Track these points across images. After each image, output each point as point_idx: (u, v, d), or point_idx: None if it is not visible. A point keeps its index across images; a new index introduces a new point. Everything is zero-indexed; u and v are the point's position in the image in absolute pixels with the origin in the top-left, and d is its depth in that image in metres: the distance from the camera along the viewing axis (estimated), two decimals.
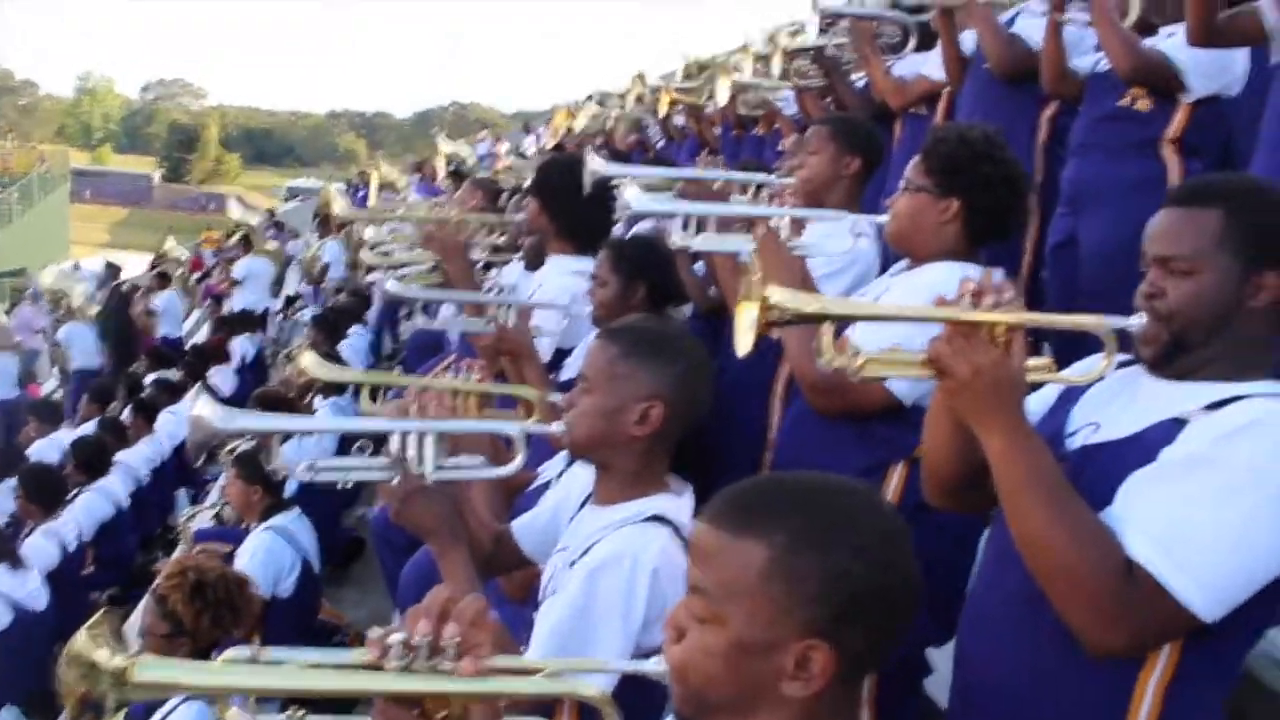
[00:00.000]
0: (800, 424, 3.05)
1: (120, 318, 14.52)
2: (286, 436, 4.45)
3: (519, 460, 2.49)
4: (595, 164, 3.97)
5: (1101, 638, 1.83)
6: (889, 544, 1.46)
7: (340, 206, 5.82)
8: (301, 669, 1.49)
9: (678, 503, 2.33)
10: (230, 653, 1.54)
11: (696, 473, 2.53)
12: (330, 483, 2.51)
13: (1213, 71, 3.79)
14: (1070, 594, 1.83)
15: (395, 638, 1.43)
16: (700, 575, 1.47)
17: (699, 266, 3.92)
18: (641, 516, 2.29)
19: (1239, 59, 3.82)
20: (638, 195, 3.26)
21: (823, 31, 5.81)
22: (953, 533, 2.67)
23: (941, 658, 3.05)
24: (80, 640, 1.37)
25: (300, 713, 1.63)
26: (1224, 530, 1.80)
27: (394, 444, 2.43)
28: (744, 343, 2.04)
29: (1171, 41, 3.83)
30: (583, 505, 2.50)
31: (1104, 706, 1.91)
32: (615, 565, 2.21)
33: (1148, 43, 3.91)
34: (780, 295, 1.98)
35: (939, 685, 3.19)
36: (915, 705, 3.12)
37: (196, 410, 2.44)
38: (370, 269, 5.53)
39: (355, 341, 10.38)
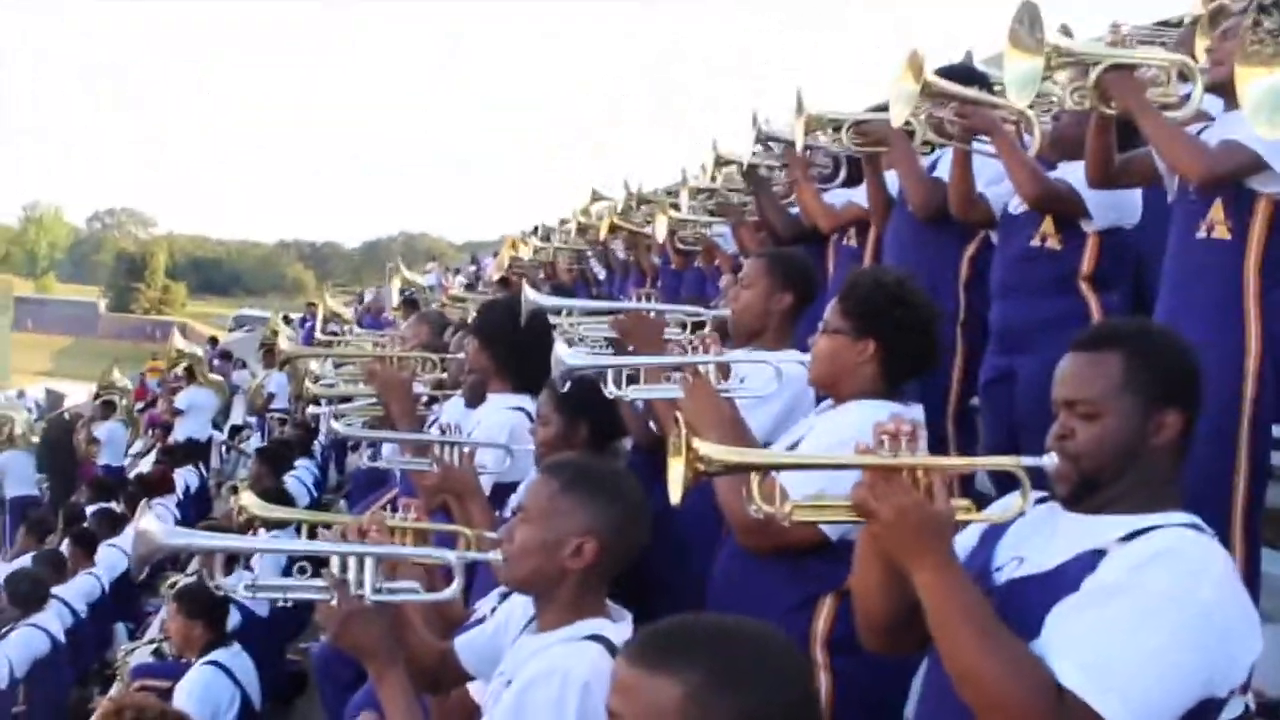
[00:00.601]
0: (733, 561, 3.10)
1: (61, 446, 14.36)
2: (230, 564, 4.46)
3: (457, 585, 2.55)
4: (530, 295, 4.10)
5: None
6: (796, 685, 1.54)
7: (286, 342, 5.91)
8: None
9: (615, 626, 2.39)
10: None
11: (643, 605, 2.59)
12: (271, 601, 2.54)
13: (1108, 201, 3.98)
14: None
15: None
16: (619, 706, 1.55)
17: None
18: (577, 636, 2.36)
19: (1130, 191, 4.02)
20: (567, 351, 3.37)
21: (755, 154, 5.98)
22: (886, 661, 2.74)
23: None
24: None
25: None
26: (1148, 653, 1.87)
27: (334, 565, 2.49)
28: (675, 494, 2.13)
29: (1073, 175, 4.01)
30: (523, 631, 2.56)
31: None
32: (545, 681, 2.26)
33: (1050, 175, 4.11)
34: (707, 449, 2.09)
35: None
36: None
37: (143, 525, 2.51)
38: (316, 401, 5.59)
39: (301, 474, 10.35)
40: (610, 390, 3.33)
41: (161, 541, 2.51)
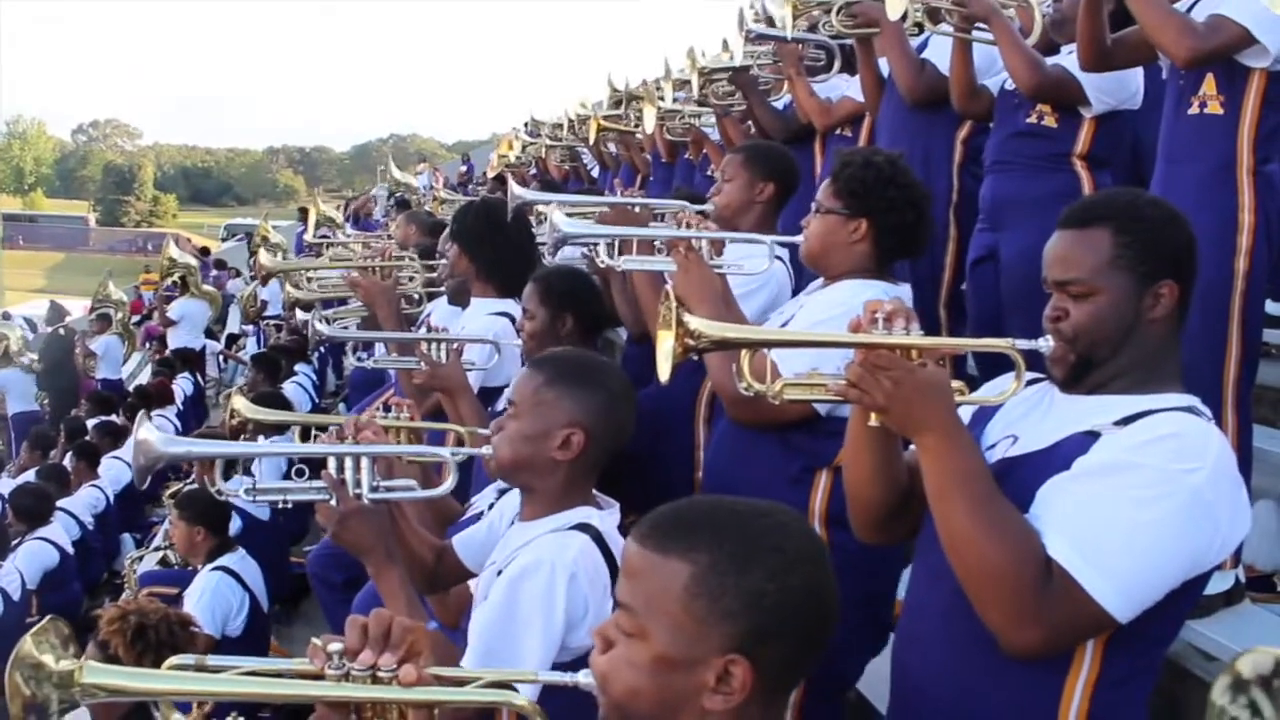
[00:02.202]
0: (726, 440, 3.15)
1: (61, 362, 14.37)
2: (231, 470, 4.49)
3: (450, 481, 2.57)
4: (517, 190, 4.06)
5: (1018, 635, 1.90)
6: (807, 565, 1.53)
7: (265, 256, 5.87)
8: (244, 676, 1.55)
9: (601, 515, 2.43)
10: (175, 659, 1.60)
11: (631, 494, 2.62)
12: (272, 505, 2.56)
13: (1108, 87, 3.94)
14: (991, 590, 1.90)
15: (335, 646, 1.50)
16: (628, 592, 1.55)
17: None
18: (565, 526, 2.39)
19: (1133, 74, 3.98)
20: (564, 219, 3.36)
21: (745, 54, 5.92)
22: None
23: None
24: (27, 644, 1.42)
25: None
26: (1138, 533, 1.88)
27: (331, 466, 2.51)
28: (664, 369, 2.11)
29: (1071, 58, 3.96)
30: (513, 521, 2.59)
31: (1036, 711, 1.99)
32: (535, 571, 2.30)
33: (1050, 60, 4.05)
34: (698, 323, 2.07)
35: (870, 685, 3.31)
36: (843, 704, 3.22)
37: (141, 435, 2.52)
38: (308, 306, 5.57)
39: (300, 379, 10.38)
40: (602, 260, 3.33)
41: (160, 450, 2.52)
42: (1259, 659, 1.06)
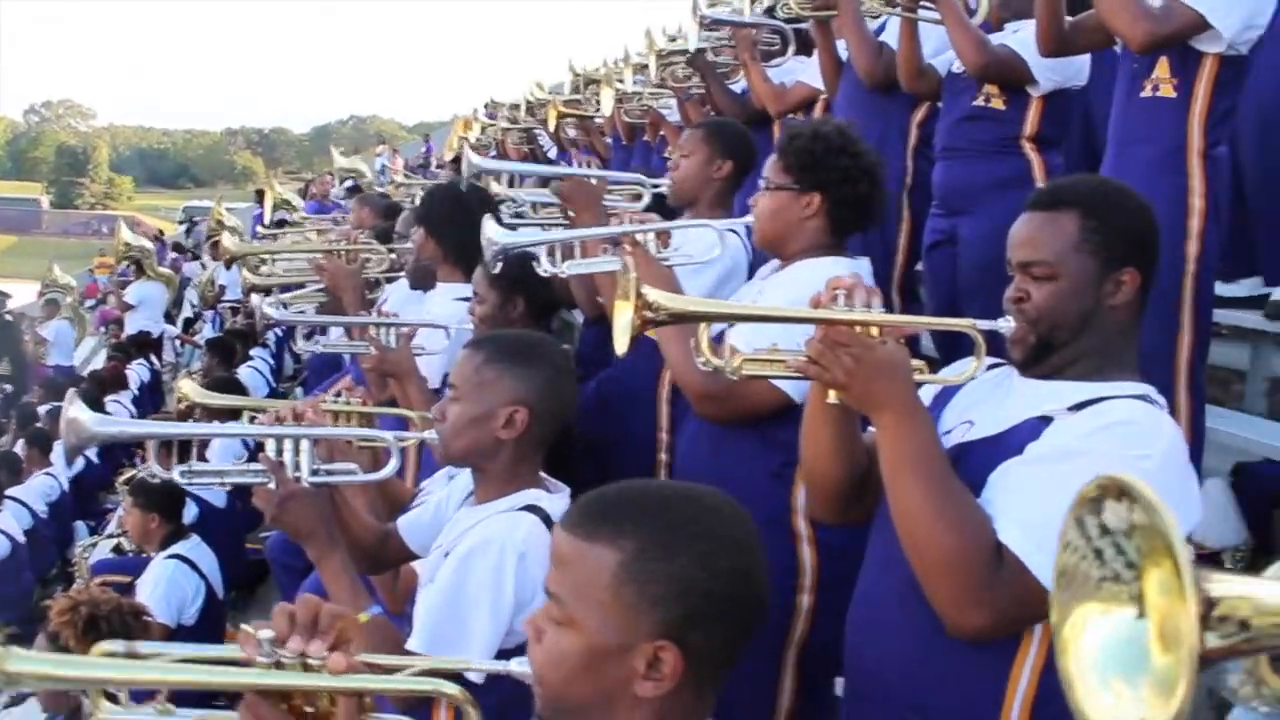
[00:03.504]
0: (701, 437, 3.07)
1: (10, 349, 14.17)
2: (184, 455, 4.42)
3: (393, 464, 2.55)
4: (473, 159, 4.02)
5: (966, 618, 1.91)
6: (735, 552, 1.51)
7: (230, 239, 5.79)
8: (173, 663, 1.52)
9: (551, 498, 2.41)
10: (105, 645, 1.58)
11: (591, 480, 2.59)
12: (208, 486, 2.51)
13: (1055, 64, 3.94)
14: (941, 572, 1.91)
15: (265, 634, 1.48)
16: (556, 580, 1.53)
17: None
18: (514, 508, 2.37)
19: None
20: (499, 230, 3.32)
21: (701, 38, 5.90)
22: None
23: None
24: None
25: (166, 706, 1.65)
26: None
27: (270, 449, 2.48)
28: (621, 343, 2.08)
29: (1017, 36, 3.98)
30: (462, 504, 2.58)
31: (985, 693, 2.00)
32: (483, 551, 2.28)
33: (995, 39, 4.06)
34: (656, 295, 2.04)
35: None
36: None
37: (71, 413, 2.47)
38: (266, 291, 5.49)
39: (257, 364, 10.28)
40: (544, 268, 3.29)
41: (92, 430, 2.48)
42: (1087, 490, 1.11)
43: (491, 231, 3.29)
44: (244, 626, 1.52)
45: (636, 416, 3.76)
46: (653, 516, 1.51)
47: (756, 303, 2.97)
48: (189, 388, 3.61)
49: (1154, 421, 1.99)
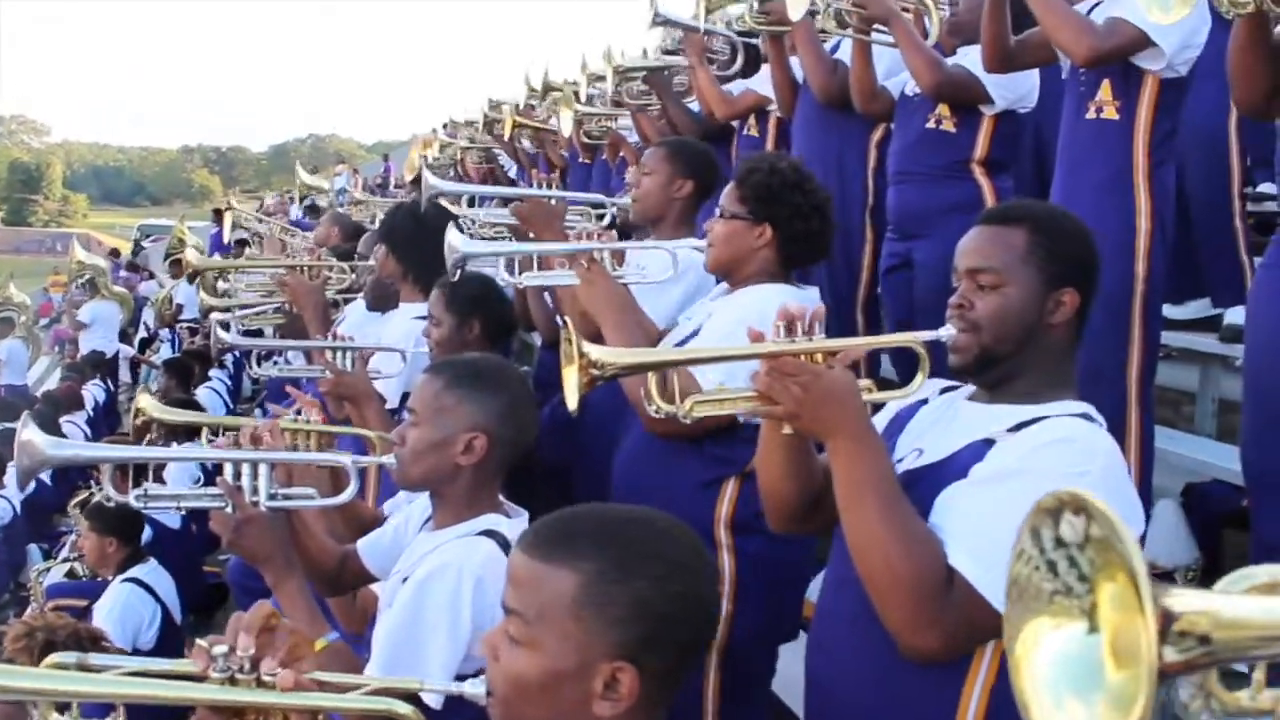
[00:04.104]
0: (640, 448, 3.14)
1: None
2: (140, 478, 4.39)
3: (352, 488, 2.55)
4: (431, 180, 4.02)
5: (917, 639, 1.94)
6: (688, 575, 1.56)
7: (193, 254, 5.77)
8: (125, 677, 1.51)
9: (509, 523, 2.41)
10: (55, 658, 1.56)
11: (552, 507, 2.60)
12: (164, 510, 2.49)
13: (1008, 83, 4.01)
14: (893, 594, 1.93)
15: (219, 649, 1.48)
16: (515, 599, 1.56)
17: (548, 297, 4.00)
18: (471, 532, 2.37)
19: (1030, 72, 4.04)
20: (461, 239, 3.33)
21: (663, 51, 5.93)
22: (789, 540, 2.81)
23: (788, 658, 3.20)
24: None
25: None
26: None
27: (227, 472, 2.47)
28: (572, 402, 2.11)
29: (969, 58, 4.04)
30: (420, 529, 2.57)
31: (939, 713, 2.02)
32: (441, 575, 2.28)
33: (948, 62, 4.11)
34: (599, 353, 2.08)
35: (784, 686, 3.34)
36: (762, 701, 3.25)
37: (25, 436, 2.44)
38: (222, 312, 5.46)
39: (214, 385, 10.19)
40: (504, 278, 3.31)
41: (46, 453, 2.45)
42: (1044, 502, 1.10)
43: (454, 239, 3.30)
44: (199, 641, 1.52)
45: (596, 444, 3.78)
46: (609, 540, 1.55)
47: (705, 326, 3.06)
48: (148, 403, 3.58)
49: (1091, 438, 2.03)
